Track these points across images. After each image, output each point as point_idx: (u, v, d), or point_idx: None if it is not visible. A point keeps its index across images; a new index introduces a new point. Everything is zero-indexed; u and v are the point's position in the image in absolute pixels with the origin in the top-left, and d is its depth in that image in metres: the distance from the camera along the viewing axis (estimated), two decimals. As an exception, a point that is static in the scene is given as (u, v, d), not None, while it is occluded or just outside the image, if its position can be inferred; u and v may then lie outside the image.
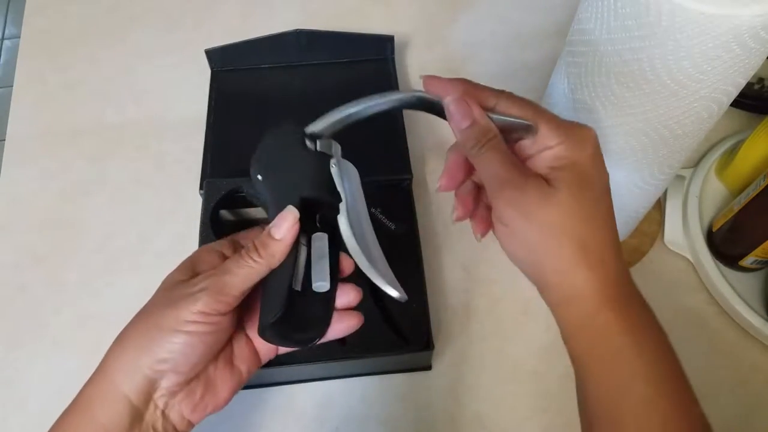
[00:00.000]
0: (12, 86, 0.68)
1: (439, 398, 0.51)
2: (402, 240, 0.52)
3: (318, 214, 0.38)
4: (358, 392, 0.51)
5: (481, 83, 0.34)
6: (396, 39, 0.63)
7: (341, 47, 0.64)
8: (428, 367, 0.52)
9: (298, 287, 0.36)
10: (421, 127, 0.65)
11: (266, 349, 0.37)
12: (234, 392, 0.35)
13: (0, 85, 1.70)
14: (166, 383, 0.32)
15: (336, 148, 0.37)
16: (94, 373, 0.32)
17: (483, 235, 0.37)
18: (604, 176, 0.33)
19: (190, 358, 0.32)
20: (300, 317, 0.35)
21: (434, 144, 0.64)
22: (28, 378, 0.51)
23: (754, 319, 0.51)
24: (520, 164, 0.33)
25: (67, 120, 0.66)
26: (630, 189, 0.46)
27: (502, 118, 0.33)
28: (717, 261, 0.55)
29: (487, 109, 0.33)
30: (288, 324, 0.34)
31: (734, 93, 0.37)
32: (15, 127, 0.65)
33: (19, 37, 0.72)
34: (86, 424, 0.31)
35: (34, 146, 0.64)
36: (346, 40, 0.63)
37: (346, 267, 0.37)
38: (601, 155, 0.33)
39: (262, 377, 0.51)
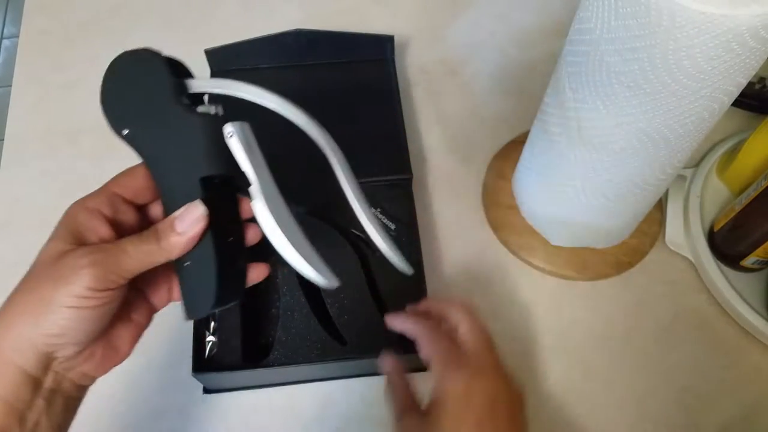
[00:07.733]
0: (11, 86, 0.68)
1: (439, 399, 0.51)
2: (402, 240, 0.52)
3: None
4: (358, 392, 0.51)
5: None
6: (396, 39, 0.63)
7: (341, 47, 0.64)
8: (428, 368, 0.51)
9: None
10: (421, 127, 0.65)
11: (162, 301, 0.36)
12: (135, 343, 0.35)
13: None
14: (62, 353, 0.31)
15: (217, 108, 0.34)
16: None
17: None
18: (478, 408, 0.36)
19: (85, 330, 0.31)
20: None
21: (434, 144, 0.64)
22: (27, 378, 0.51)
23: (755, 320, 0.51)
24: (408, 400, 0.39)
25: (66, 120, 0.66)
26: (631, 189, 0.46)
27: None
28: (718, 261, 0.54)
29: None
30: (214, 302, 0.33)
31: (735, 93, 0.37)
32: (14, 126, 0.65)
33: (18, 37, 0.72)
34: None
35: (33, 146, 0.64)
36: (346, 40, 0.63)
37: (252, 237, 0.36)
38: (478, 390, 0.37)
39: (263, 377, 0.51)
